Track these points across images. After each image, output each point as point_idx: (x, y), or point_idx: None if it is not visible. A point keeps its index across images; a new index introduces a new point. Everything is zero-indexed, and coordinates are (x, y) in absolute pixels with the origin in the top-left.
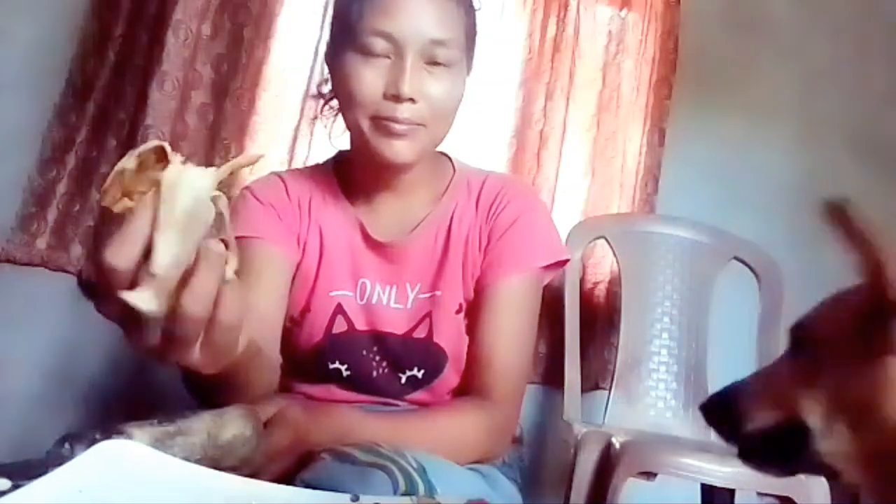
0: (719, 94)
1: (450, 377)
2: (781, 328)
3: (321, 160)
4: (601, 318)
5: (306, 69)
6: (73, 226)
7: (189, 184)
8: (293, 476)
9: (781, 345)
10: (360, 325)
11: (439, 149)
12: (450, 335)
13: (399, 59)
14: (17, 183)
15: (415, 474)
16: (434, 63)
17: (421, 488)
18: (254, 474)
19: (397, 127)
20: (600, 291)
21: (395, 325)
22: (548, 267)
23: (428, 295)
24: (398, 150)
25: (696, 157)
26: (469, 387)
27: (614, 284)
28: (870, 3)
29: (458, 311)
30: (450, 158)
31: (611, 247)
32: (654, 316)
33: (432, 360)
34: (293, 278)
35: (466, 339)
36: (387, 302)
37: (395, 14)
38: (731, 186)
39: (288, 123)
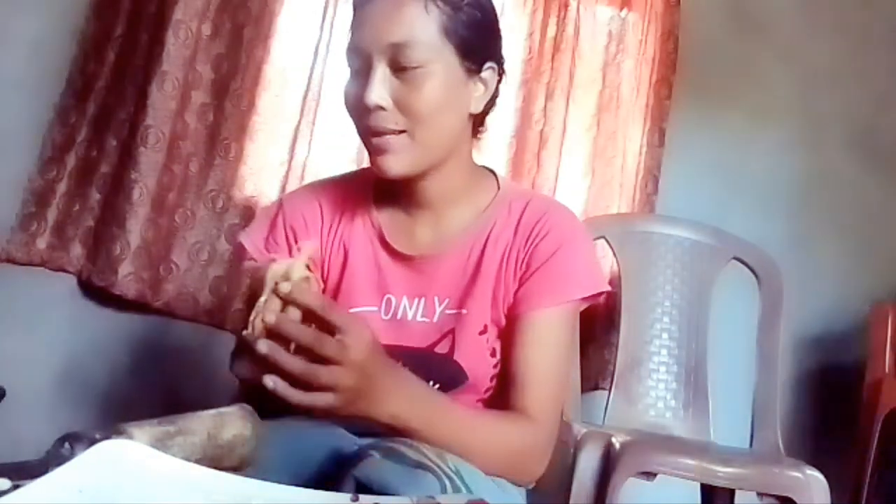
0: (719, 94)
1: (467, 395)
2: (781, 328)
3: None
4: (601, 318)
5: (306, 69)
6: (73, 226)
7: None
8: (345, 473)
9: (781, 345)
10: (380, 339)
11: (486, 164)
12: (471, 355)
13: (367, 70)
14: (17, 183)
15: (455, 478)
16: (402, 68)
17: (463, 492)
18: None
19: (375, 140)
20: None
21: (419, 339)
22: (586, 297)
23: (454, 312)
24: (385, 163)
25: (696, 157)
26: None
27: (614, 284)
28: (870, 4)
29: (481, 332)
30: (496, 176)
31: (611, 247)
32: (654, 316)
33: (450, 376)
34: None
35: (490, 360)
36: (413, 316)
37: (360, 27)
38: (731, 187)
39: (288, 123)
